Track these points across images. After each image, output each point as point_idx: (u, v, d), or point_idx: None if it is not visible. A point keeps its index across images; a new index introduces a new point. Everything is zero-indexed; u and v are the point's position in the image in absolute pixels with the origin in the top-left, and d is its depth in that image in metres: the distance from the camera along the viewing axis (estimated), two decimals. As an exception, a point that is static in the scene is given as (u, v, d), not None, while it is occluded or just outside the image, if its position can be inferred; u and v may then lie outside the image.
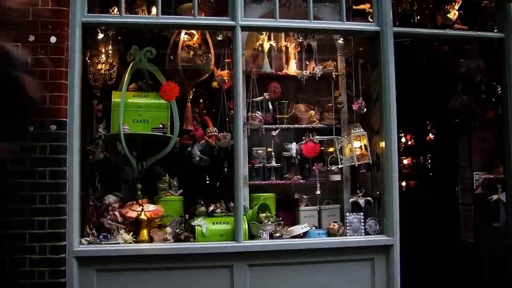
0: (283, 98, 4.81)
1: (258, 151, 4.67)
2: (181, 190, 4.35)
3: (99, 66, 4.63)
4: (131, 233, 3.99)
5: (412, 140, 8.05)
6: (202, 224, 4.08)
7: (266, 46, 4.75)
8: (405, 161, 8.17)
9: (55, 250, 3.61)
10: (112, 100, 4.28)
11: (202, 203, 4.30)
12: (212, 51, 4.78)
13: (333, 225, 4.31)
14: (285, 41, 4.83)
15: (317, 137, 4.66)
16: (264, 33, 4.73)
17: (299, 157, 4.68)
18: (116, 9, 4.39)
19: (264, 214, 4.16)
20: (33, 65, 3.66)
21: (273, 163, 4.66)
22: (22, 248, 3.56)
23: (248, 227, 4.10)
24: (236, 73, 4.14)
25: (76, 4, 3.84)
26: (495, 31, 4.72)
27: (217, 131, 4.74)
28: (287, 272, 4.04)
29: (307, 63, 4.83)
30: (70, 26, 3.81)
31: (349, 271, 4.14)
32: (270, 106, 4.75)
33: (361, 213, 4.34)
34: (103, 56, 4.65)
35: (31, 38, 3.68)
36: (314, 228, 4.39)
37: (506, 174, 4.64)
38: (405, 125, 7.69)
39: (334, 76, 4.77)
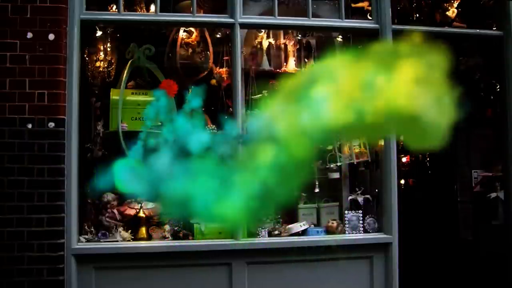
0: (282, 95, 4.79)
1: (257, 149, 4.65)
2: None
3: (98, 64, 4.62)
4: (129, 231, 3.99)
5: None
6: (200, 221, 4.07)
7: (265, 44, 4.75)
8: (404, 159, 8.16)
9: (54, 248, 3.61)
10: (111, 97, 4.27)
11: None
12: (210, 48, 4.77)
13: (332, 223, 4.31)
14: (284, 38, 4.82)
15: (316, 135, 4.64)
16: (263, 30, 4.72)
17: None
18: (114, 7, 4.38)
19: (262, 212, 4.16)
20: (32, 63, 3.66)
21: (272, 161, 4.65)
22: (20, 245, 3.55)
23: (246, 225, 4.10)
24: (235, 70, 4.14)
25: (74, 1, 3.82)
26: (494, 29, 4.72)
27: (215, 128, 4.73)
28: (286, 270, 4.04)
29: (306, 60, 4.82)
30: (69, 24, 3.80)
31: (347, 269, 4.14)
32: (265, 105, 4.72)
33: (360, 211, 4.34)
34: (101, 53, 4.64)
35: (29, 35, 3.67)
36: (312, 226, 4.39)
37: (504, 172, 4.65)
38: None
39: (333, 73, 4.76)
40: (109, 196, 4.10)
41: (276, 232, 4.15)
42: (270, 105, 1.59)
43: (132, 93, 4.36)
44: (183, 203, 1.59)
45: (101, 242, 3.88)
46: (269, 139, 1.50)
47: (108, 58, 4.67)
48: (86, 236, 3.89)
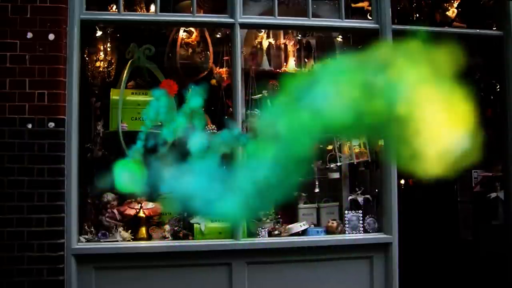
0: (282, 95, 4.79)
1: (257, 149, 4.64)
2: (180, 188, 4.33)
3: (98, 64, 4.62)
4: (129, 231, 3.99)
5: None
6: (200, 222, 4.08)
7: (265, 44, 4.75)
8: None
9: (54, 248, 3.61)
10: (111, 97, 4.28)
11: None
12: (210, 48, 4.77)
13: (332, 223, 4.31)
14: (284, 38, 4.82)
15: (316, 135, 4.64)
16: (263, 30, 4.72)
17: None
18: (114, 7, 4.38)
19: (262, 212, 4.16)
20: (32, 63, 3.65)
21: (272, 161, 4.64)
22: (20, 245, 3.56)
23: (246, 225, 4.10)
24: (235, 70, 4.14)
25: (74, 1, 3.82)
26: (494, 29, 4.72)
27: (216, 128, 4.73)
28: (286, 270, 4.04)
29: (306, 60, 4.82)
30: (69, 24, 3.80)
31: (347, 269, 4.14)
32: (269, 104, 4.73)
33: (360, 211, 4.34)
34: (101, 53, 4.64)
35: (29, 35, 3.67)
36: (312, 226, 4.39)
37: (504, 172, 4.65)
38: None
39: (333, 73, 4.76)
40: (109, 196, 4.10)
41: (276, 232, 4.15)
42: (282, 105, 1.58)
43: (132, 93, 4.36)
44: (183, 202, 1.59)
45: (101, 242, 3.88)
46: (272, 138, 1.50)
47: (108, 58, 4.67)
48: (86, 236, 3.89)
